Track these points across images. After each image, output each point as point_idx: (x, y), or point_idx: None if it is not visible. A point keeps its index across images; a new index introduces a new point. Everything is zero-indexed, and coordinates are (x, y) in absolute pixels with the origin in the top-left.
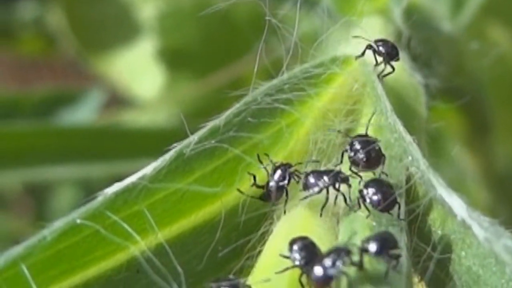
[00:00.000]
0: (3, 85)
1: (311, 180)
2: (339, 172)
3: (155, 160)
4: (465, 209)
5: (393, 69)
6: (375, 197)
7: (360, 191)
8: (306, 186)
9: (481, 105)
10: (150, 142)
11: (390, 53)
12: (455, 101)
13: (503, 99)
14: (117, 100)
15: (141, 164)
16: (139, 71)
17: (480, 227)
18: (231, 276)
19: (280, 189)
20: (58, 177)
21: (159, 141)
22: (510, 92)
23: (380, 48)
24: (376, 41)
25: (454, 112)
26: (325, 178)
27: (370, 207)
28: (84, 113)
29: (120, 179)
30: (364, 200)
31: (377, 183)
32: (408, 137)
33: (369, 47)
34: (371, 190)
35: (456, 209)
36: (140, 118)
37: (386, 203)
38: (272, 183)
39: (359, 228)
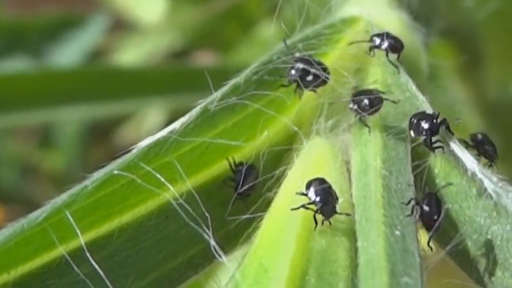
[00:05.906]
0: (6, 10)
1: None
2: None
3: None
4: (476, 164)
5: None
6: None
7: None
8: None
9: (474, 38)
10: (155, 82)
11: (393, 46)
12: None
13: (496, 30)
14: (121, 25)
15: (149, 103)
16: None
17: (490, 181)
18: None
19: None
20: (65, 118)
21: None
22: (503, 23)
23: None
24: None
25: (447, 47)
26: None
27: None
28: (88, 37)
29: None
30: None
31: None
32: (421, 96)
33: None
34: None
35: (468, 164)
36: (143, 43)
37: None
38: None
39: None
